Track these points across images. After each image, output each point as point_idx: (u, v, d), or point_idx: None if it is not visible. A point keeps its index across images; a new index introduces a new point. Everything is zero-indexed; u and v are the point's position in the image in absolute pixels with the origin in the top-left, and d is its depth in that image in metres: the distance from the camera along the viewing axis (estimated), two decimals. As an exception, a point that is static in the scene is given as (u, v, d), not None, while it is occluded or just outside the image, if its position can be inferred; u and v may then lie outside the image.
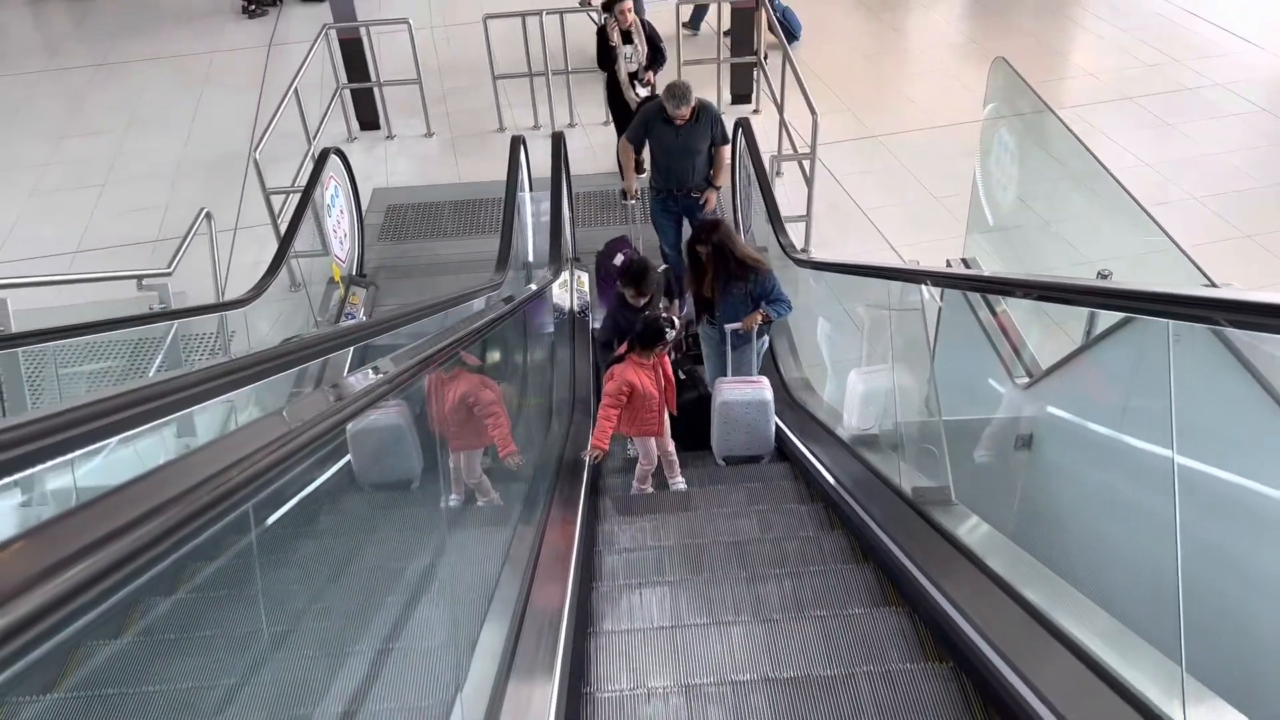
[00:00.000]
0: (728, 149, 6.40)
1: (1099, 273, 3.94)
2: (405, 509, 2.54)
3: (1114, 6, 10.96)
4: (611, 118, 7.99)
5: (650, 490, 4.79)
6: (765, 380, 5.06)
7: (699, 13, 10.17)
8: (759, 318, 4.96)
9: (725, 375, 5.12)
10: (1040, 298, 3.27)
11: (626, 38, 7.25)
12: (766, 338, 5.55)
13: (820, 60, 9.81)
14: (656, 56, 7.38)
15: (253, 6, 12.17)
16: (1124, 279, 3.64)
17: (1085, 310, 3.14)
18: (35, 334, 3.58)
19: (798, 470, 4.75)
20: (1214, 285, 3.18)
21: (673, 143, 6.00)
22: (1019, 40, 10.35)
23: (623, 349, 4.62)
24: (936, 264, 5.49)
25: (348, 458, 1.99)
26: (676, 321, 4.98)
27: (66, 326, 3.70)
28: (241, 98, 10.14)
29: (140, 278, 5.26)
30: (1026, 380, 3.86)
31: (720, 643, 2.86)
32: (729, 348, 5.08)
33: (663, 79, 6.90)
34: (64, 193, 8.68)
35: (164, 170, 8.91)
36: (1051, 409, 3.46)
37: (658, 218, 6.44)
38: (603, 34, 7.36)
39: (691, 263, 5.12)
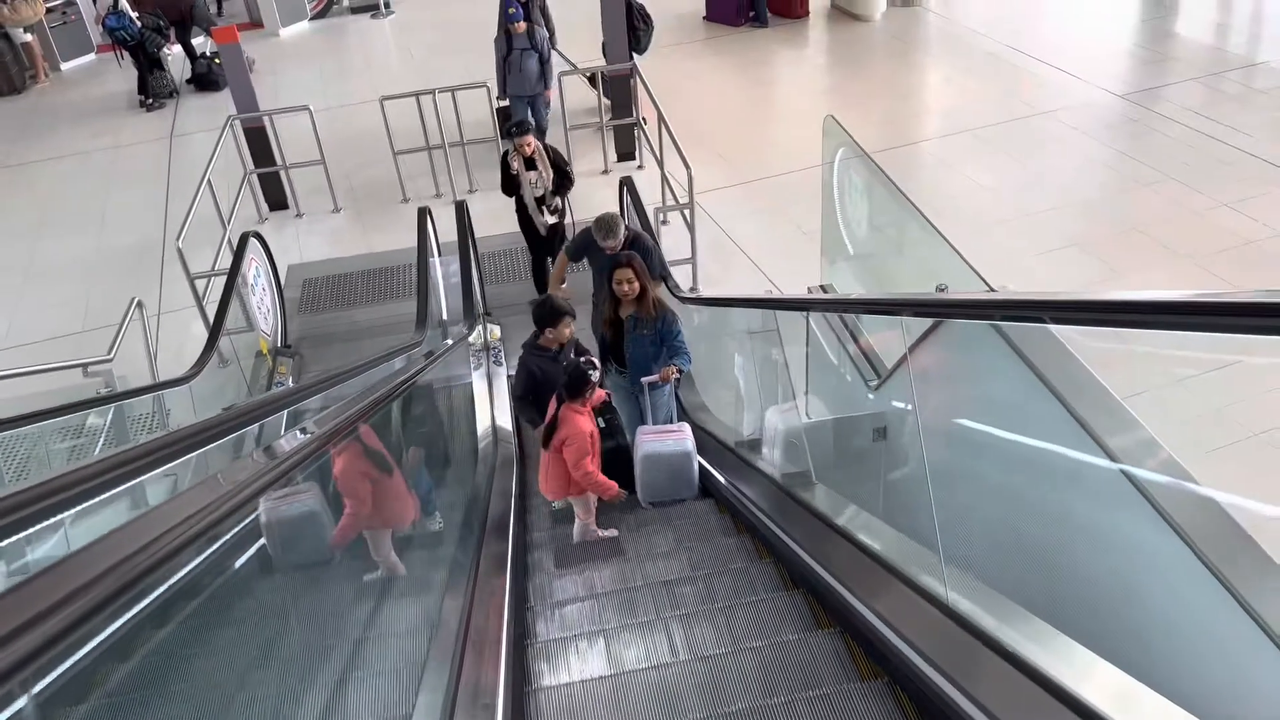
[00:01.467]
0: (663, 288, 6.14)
1: (937, 287, 4.74)
2: (324, 590, 2.53)
3: (952, 50, 12.20)
4: (523, 235, 7.91)
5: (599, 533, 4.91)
6: (686, 428, 5.21)
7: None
8: (673, 371, 5.08)
9: (644, 423, 5.25)
10: (867, 312, 4.07)
11: (530, 164, 7.27)
12: (670, 393, 5.63)
13: (696, 116, 10.71)
14: (564, 181, 7.42)
15: (150, 100, 12.56)
16: (944, 292, 4.47)
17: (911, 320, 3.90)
18: (18, 419, 4.03)
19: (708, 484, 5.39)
20: (993, 290, 3.99)
21: (606, 263, 5.71)
22: (872, 85, 11.46)
23: (551, 412, 4.73)
24: (804, 290, 6.29)
25: (260, 542, 1.99)
26: (597, 362, 4.99)
27: (34, 412, 4.17)
28: (148, 189, 10.55)
29: (85, 365, 5.71)
30: (876, 382, 4.62)
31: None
32: (646, 396, 5.22)
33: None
34: (-19, 294, 8.96)
35: (79, 264, 9.25)
36: (894, 403, 4.22)
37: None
38: (504, 162, 7.42)
39: (608, 295, 5.26)
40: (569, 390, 4.65)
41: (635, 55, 9.87)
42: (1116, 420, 2.57)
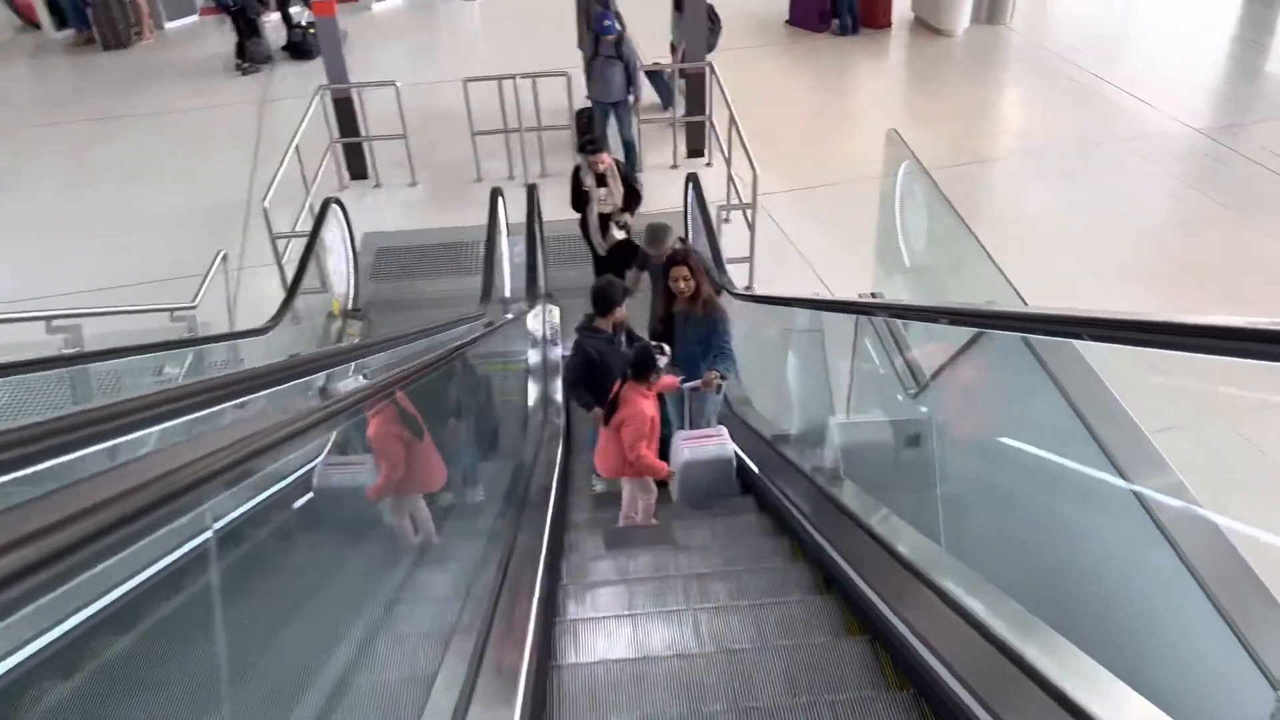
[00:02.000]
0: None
1: (987, 302, 4.90)
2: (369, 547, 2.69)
3: (1032, 71, 12.20)
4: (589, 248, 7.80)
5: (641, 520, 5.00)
6: (724, 433, 5.17)
7: (667, 95, 10.94)
8: (715, 379, 5.10)
9: (683, 426, 5.27)
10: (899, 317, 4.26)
11: (600, 181, 7.20)
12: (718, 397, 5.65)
13: (770, 120, 10.89)
14: (633, 198, 7.33)
15: (246, 65, 13.10)
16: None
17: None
18: (111, 352, 4.42)
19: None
20: (1025, 304, 4.15)
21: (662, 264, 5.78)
22: (947, 100, 11.51)
23: (615, 390, 4.78)
24: (856, 295, 6.46)
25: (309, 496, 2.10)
26: (667, 349, 4.93)
27: (131, 346, 4.55)
28: (237, 149, 11.05)
29: (172, 310, 6.12)
30: (914, 390, 4.80)
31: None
32: (687, 400, 5.25)
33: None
34: (77, 237, 9.50)
35: (169, 215, 9.76)
36: (928, 411, 4.39)
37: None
38: (576, 176, 7.34)
39: (663, 291, 5.35)
40: (635, 371, 4.68)
41: None
42: (1134, 442, 2.74)
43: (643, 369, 4.66)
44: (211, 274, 6.80)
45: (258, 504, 1.86)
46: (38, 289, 8.56)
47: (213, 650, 1.66)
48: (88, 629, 1.66)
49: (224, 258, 7.09)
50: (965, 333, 3.38)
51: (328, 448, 2.42)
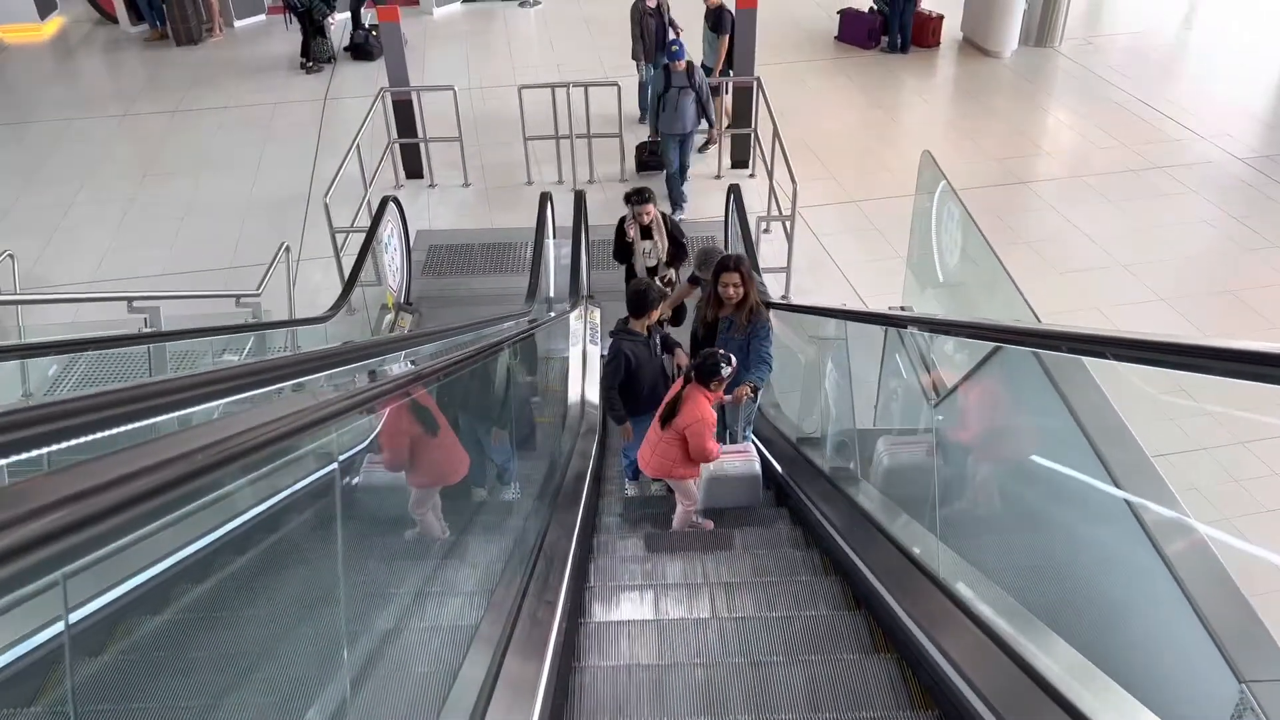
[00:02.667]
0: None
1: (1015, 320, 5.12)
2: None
3: (1078, 95, 12.30)
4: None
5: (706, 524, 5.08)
6: (751, 449, 5.27)
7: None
8: (747, 390, 5.13)
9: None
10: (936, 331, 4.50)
11: (646, 233, 7.07)
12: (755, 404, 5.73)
13: (814, 134, 11.15)
14: (679, 252, 7.20)
15: (310, 64, 13.60)
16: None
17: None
18: (183, 333, 4.81)
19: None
20: (1039, 321, 4.37)
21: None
22: (991, 120, 11.67)
23: (675, 390, 4.81)
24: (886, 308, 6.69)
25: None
26: (734, 360, 4.88)
27: (201, 329, 4.94)
28: (299, 145, 11.52)
29: (238, 297, 6.52)
30: (935, 401, 5.04)
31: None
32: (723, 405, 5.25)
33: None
34: (149, 224, 10.00)
35: (233, 206, 10.23)
36: (946, 421, 4.63)
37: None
38: (620, 228, 7.22)
39: (711, 295, 5.41)
40: (700, 375, 4.72)
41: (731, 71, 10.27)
42: (1132, 457, 2.97)
43: (708, 374, 4.70)
44: (274, 264, 7.20)
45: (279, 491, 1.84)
46: (113, 271, 9.09)
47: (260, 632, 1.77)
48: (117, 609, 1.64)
49: (286, 249, 7.48)
50: (987, 347, 3.61)
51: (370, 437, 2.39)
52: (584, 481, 4.92)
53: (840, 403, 5.45)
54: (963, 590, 3.14)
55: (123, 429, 1.20)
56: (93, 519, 0.88)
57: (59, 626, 1.20)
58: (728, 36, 10.17)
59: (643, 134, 10.65)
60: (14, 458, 1.00)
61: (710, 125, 9.60)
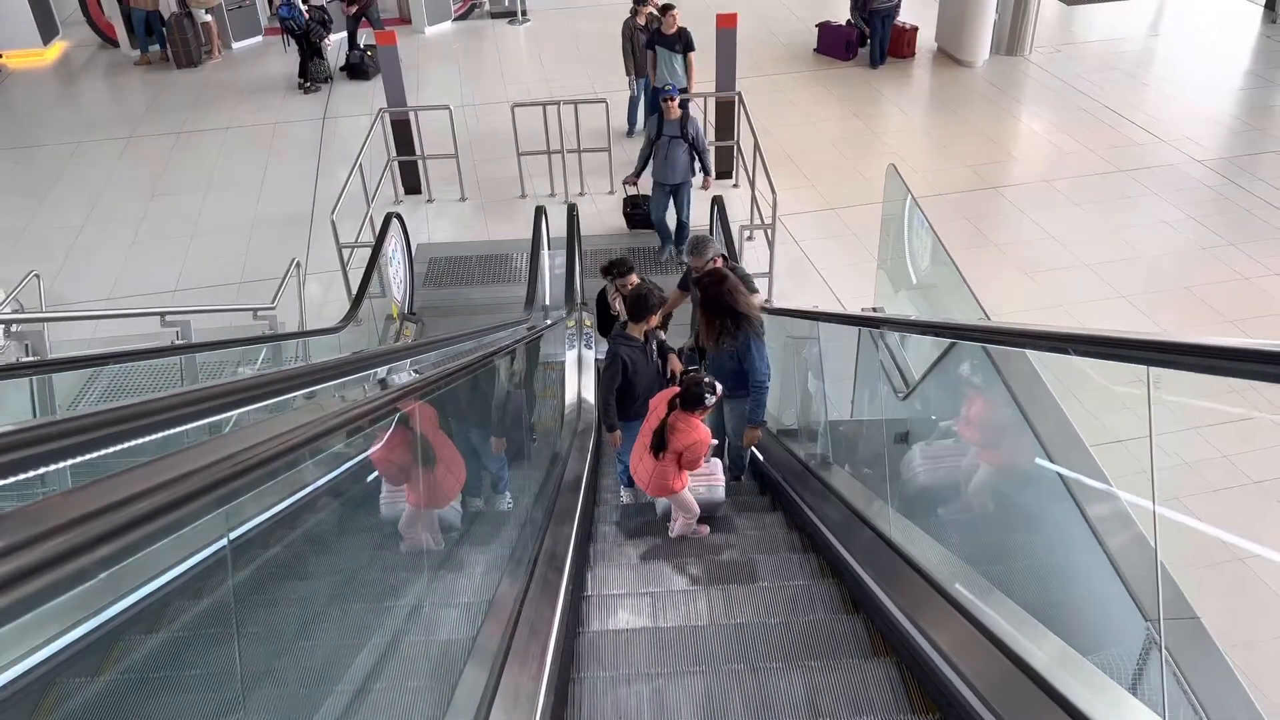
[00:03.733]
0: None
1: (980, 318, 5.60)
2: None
3: (1046, 102, 12.84)
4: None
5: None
6: (718, 469, 5.31)
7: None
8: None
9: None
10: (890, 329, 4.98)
11: None
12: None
13: (795, 144, 11.65)
14: (664, 322, 6.79)
15: (307, 84, 14.06)
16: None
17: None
18: (217, 344, 5.25)
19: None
20: (988, 317, 4.86)
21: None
22: (963, 128, 12.19)
23: (660, 417, 4.78)
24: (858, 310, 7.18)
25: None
26: (719, 388, 4.81)
27: (227, 340, 5.39)
28: (300, 163, 11.98)
29: (255, 310, 6.98)
30: (903, 393, 5.51)
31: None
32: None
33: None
34: (159, 242, 10.44)
35: (239, 223, 10.68)
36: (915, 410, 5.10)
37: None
38: (603, 300, 7.10)
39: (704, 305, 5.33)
40: (684, 404, 4.74)
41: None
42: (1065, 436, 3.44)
43: (693, 404, 4.71)
44: (287, 278, 7.66)
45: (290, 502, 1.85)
46: (127, 288, 9.53)
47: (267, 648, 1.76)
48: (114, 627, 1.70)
49: (297, 264, 7.94)
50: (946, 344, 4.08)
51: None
52: (581, 482, 5.36)
53: (811, 395, 5.93)
54: (897, 537, 3.64)
55: (178, 430, 1.28)
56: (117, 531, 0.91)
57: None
58: (692, 54, 10.56)
59: (630, 147, 11.13)
60: (84, 457, 1.06)
61: (707, 175, 9.52)
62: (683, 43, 10.46)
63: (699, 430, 4.77)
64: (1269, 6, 14.92)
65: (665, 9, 10.42)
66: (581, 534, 4.82)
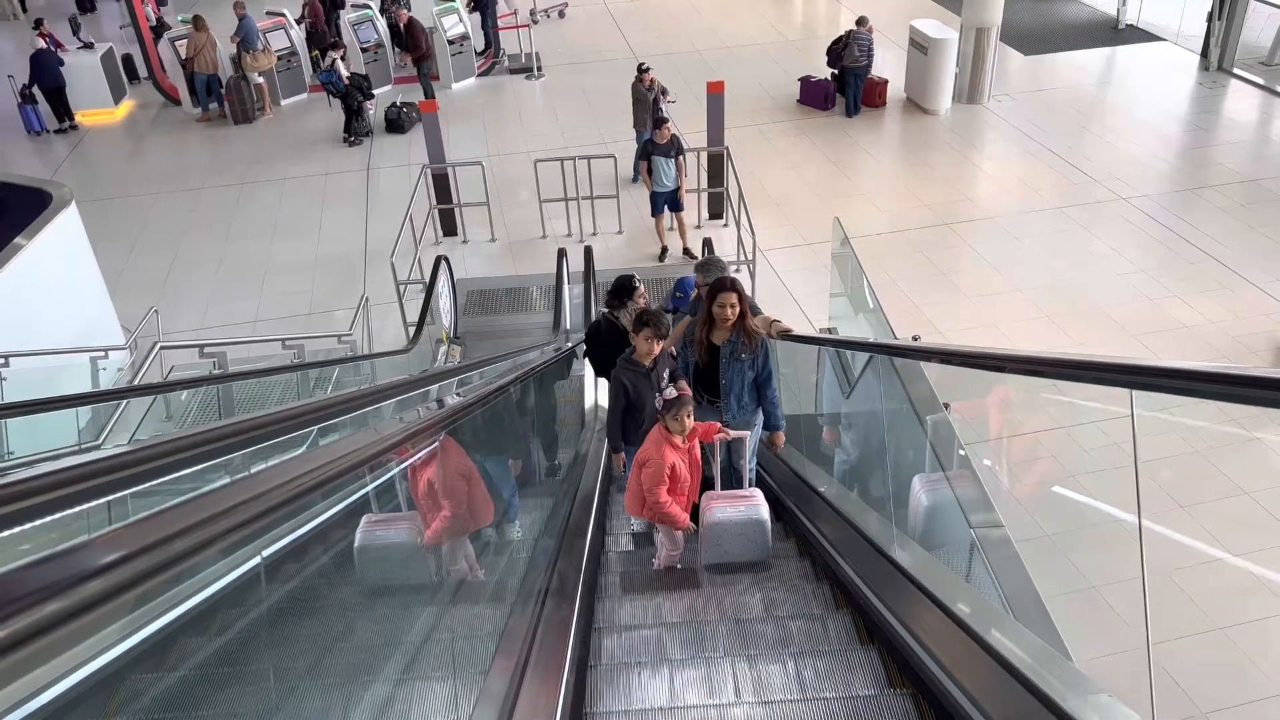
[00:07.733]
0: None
1: (912, 337, 7.39)
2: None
3: (999, 146, 14.68)
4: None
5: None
6: (758, 494, 5.08)
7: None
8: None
9: (717, 473, 5.21)
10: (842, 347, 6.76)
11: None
12: (759, 426, 5.69)
13: (778, 187, 13.50)
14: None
15: (351, 138, 15.97)
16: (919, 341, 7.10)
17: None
18: (322, 364, 7.04)
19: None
20: (896, 338, 6.64)
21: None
22: (925, 170, 14.02)
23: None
24: (814, 329, 8.98)
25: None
26: (686, 387, 4.95)
27: (336, 359, 7.19)
28: (350, 210, 13.87)
29: (339, 336, 8.81)
30: (848, 392, 7.28)
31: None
32: (718, 447, 5.24)
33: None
34: (236, 281, 12.31)
35: (303, 264, 12.54)
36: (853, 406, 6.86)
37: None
38: (595, 335, 7.13)
39: (705, 318, 5.37)
40: (662, 412, 4.79)
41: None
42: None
43: (668, 409, 4.73)
44: (359, 310, 9.52)
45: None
46: (215, 320, 11.40)
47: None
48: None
49: (366, 299, 9.80)
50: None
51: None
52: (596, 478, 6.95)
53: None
54: (835, 499, 5.38)
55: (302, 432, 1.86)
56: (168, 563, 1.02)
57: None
58: (683, 157, 11.79)
59: (637, 192, 13.00)
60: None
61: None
62: (675, 149, 11.75)
63: (665, 451, 4.73)
64: (1204, 54, 16.73)
65: (659, 122, 11.60)
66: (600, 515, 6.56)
